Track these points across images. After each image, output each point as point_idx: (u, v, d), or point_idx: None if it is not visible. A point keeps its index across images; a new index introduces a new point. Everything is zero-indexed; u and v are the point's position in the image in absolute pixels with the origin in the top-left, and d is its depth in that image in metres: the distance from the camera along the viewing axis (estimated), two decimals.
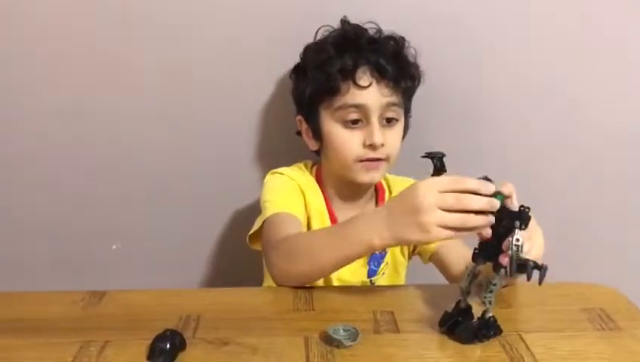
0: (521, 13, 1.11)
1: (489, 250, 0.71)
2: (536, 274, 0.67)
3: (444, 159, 0.75)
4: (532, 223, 0.72)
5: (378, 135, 0.97)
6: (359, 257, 0.82)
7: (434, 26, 1.10)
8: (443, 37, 1.11)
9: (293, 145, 1.11)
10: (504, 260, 0.69)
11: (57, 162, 1.18)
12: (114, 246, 1.25)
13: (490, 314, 0.73)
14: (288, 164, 1.09)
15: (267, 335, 0.73)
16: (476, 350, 0.72)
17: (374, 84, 0.98)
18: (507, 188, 0.71)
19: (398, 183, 1.11)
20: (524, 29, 1.12)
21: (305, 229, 1.00)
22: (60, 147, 1.17)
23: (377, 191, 1.12)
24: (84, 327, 0.76)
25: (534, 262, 0.67)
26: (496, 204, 0.69)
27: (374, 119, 0.98)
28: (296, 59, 1.07)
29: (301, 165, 1.11)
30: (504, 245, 0.69)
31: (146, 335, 0.70)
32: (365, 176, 1.01)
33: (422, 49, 1.06)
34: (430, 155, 0.75)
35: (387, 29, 1.04)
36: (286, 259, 0.87)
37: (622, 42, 1.13)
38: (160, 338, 0.69)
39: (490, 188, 0.70)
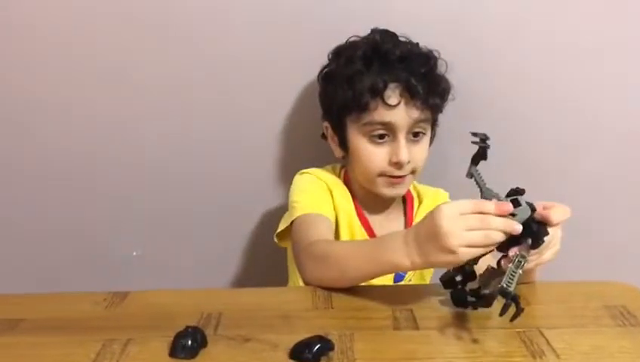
0: (534, 18, 1.12)
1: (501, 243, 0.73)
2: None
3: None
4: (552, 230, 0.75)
5: (404, 153, 0.97)
6: (388, 274, 0.83)
7: (445, 33, 1.09)
8: (455, 44, 1.10)
9: (320, 147, 1.11)
10: (505, 266, 0.72)
11: (82, 169, 1.20)
12: (134, 253, 1.27)
13: (487, 291, 0.75)
14: (315, 165, 1.10)
15: (288, 333, 0.73)
16: (497, 345, 0.72)
17: (403, 102, 0.96)
18: (557, 215, 0.74)
19: (429, 194, 1.11)
20: (537, 34, 1.13)
21: (334, 229, 1.00)
22: (85, 154, 1.19)
23: (406, 199, 1.12)
24: (107, 326, 0.77)
25: (515, 297, 0.67)
26: (516, 227, 0.70)
27: (401, 136, 0.97)
28: (320, 60, 1.06)
29: (329, 168, 1.11)
30: (511, 251, 0.72)
31: (167, 333, 0.71)
32: (390, 191, 1.02)
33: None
34: (479, 136, 0.78)
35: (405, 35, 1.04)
36: (317, 265, 0.87)
37: (633, 43, 1.13)
38: (182, 335, 0.70)
39: (509, 208, 0.71)
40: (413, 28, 1.05)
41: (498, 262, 0.74)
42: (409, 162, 0.98)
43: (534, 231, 0.72)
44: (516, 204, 0.72)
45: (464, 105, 1.11)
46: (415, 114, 0.97)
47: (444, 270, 0.80)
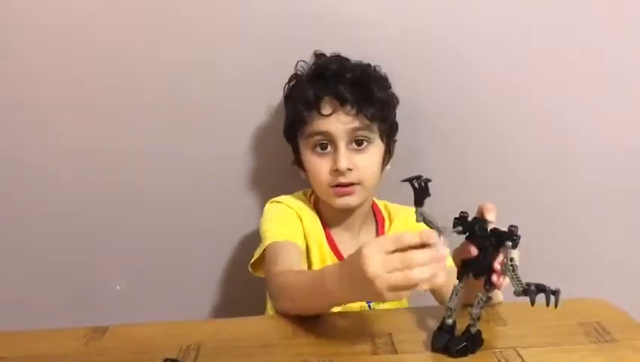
0: (508, 29, 1.13)
1: (478, 267, 0.73)
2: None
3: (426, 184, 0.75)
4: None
5: (343, 160, 1.01)
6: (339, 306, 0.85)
7: (418, 50, 1.13)
8: (427, 61, 1.14)
9: (293, 174, 1.13)
10: (499, 280, 0.72)
11: (61, 205, 1.21)
12: (118, 287, 1.27)
13: (476, 328, 0.75)
14: (287, 193, 1.12)
15: None
16: None
17: (336, 111, 1.02)
18: (488, 210, 0.75)
19: (401, 214, 1.13)
20: (512, 46, 1.14)
21: (304, 255, 1.03)
22: (64, 190, 1.20)
23: (377, 220, 1.13)
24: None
25: (548, 287, 0.67)
26: (439, 256, 0.68)
27: (341, 145, 1.02)
28: None
29: (300, 193, 1.14)
30: (496, 264, 0.71)
31: None
32: (339, 202, 1.04)
33: (406, 74, 1.09)
34: (410, 179, 0.76)
35: (375, 56, 1.08)
36: (283, 300, 0.90)
37: (612, 55, 1.14)
38: None
39: (432, 237, 0.69)
40: (393, 38, 1.11)
41: (488, 281, 0.73)
42: (350, 169, 1.01)
43: (505, 233, 0.71)
44: (465, 223, 0.73)
45: (436, 121, 1.15)
46: (348, 121, 1.02)
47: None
